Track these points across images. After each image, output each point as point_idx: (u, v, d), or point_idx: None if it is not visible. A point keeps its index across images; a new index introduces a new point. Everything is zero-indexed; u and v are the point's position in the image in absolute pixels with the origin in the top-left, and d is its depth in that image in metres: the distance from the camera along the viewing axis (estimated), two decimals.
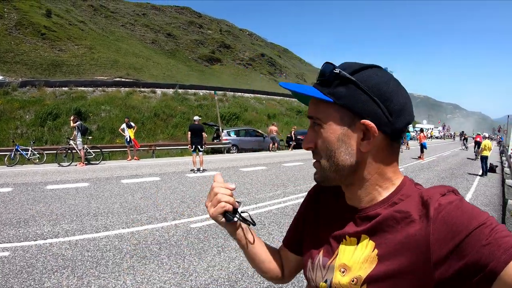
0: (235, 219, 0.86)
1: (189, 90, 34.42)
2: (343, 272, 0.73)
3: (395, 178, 0.74)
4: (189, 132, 11.88)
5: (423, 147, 19.75)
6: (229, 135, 21.03)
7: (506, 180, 12.82)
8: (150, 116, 25.46)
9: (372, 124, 0.68)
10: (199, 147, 11.84)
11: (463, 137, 40.53)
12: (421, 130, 22.34)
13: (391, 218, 0.68)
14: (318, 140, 0.75)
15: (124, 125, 15.59)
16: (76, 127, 13.01)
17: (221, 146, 19.97)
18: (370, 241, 0.70)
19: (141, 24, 66.78)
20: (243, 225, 0.93)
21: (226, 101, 34.27)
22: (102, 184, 9.16)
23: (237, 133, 21.83)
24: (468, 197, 9.31)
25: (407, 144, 27.51)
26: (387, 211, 0.70)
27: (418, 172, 13.69)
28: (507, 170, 16.47)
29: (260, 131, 23.90)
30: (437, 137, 63.14)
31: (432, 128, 66.94)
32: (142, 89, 30.95)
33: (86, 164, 13.16)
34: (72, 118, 13.50)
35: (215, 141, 20.80)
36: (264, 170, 12.53)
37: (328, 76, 0.73)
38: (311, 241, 0.87)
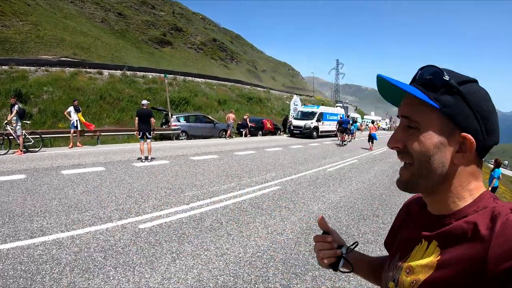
0: (340, 265, 0.96)
1: (138, 73, 32.88)
2: (407, 272, 0.75)
3: (475, 191, 0.73)
4: (137, 118, 11.04)
5: (373, 138, 20.45)
6: (179, 121, 20.19)
7: None
8: (95, 99, 23.81)
9: (473, 140, 0.69)
10: (147, 134, 11.06)
11: None
12: (372, 122, 23.10)
13: (460, 228, 0.68)
14: (410, 142, 0.75)
15: (71, 108, 14.25)
16: (15, 111, 11.60)
17: (170, 132, 19.10)
18: (437, 247, 0.71)
19: (91, 2, 62.16)
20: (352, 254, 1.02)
21: (176, 85, 33.04)
22: (40, 176, 8.09)
23: (187, 119, 21.03)
24: None
25: (354, 135, 28.32)
26: (459, 221, 0.70)
27: (371, 163, 13.93)
28: None
29: (211, 117, 23.29)
30: (384, 129, 65.99)
31: (380, 120, 69.88)
32: (88, 70, 28.96)
33: (24, 152, 11.74)
34: (12, 100, 11.99)
35: (164, 127, 19.86)
36: (216, 159, 12.03)
37: (435, 81, 0.72)
38: (396, 245, 0.91)
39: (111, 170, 9.21)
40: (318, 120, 26.88)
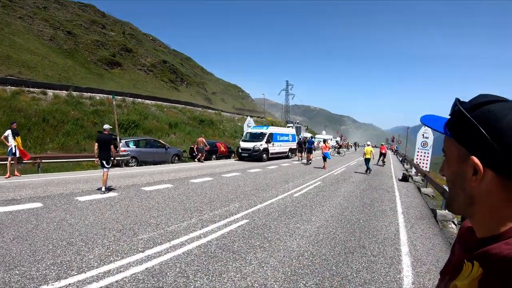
0: None
1: (85, 93, 30.78)
2: None
3: None
4: (96, 144, 10.02)
5: (325, 157, 20.74)
6: (128, 146, 18.66)
7: (421, 189, 13.96)
8: (38, 121, 21.54)
9: (476, 161, 0.71)
10: (104, 162, 9.97)
11: (337, 145, 46.48)
12: (324, 141, 23.13)
13: (498, 250, 0.70)
14: (445, 170, 0.84)
15: (8, 132, 12.43)
16: None
17: (119, 158, 17.48)
18: (480, 268, 0.73)
19: (41, 18, 58.52)
20: None
21: (125, 108, 31.24)
22: None
23: (137, 144, 19.56)
24: (399, 210, 9.21)
25: (308, 156, 26.94)
26: (498, 244, 0.71)
27: (336, 184, 13.55)
28: (416, 178, 18.27)
29: (162, 142, 21.94)
30: (335, 147, 67.30)
31: (331, 139, 71.14)
32: (32, 89, 26.57)
33: None
34: None
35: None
36: (170, 189, 10.84)
37: (451, 111, 0.79)
38: (447, 267, 0.93)
39: (50, 206, 7.75)
40: (267, 142, 25.43)
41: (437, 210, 9.12)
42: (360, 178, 16.42)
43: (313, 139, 28.17)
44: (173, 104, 43.09)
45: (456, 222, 8.60)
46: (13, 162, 12.60)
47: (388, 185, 14.46)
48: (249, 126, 32.09)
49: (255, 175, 15.44)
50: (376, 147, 70.19)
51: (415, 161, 24.70)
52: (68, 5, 73.45)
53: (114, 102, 20.28)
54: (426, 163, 24.09)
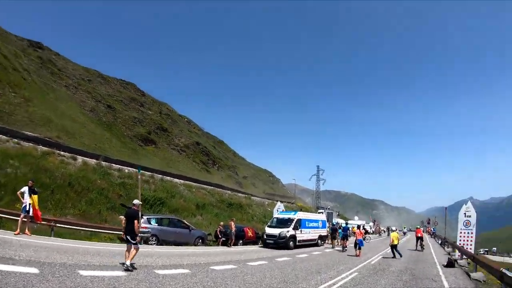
0: None
1: (114, 165, 31.06)
2: None
3: None
4: (124, 218, 9.65)
5: (359, 244, 19.51)
6: (150, 223, 17.73)
7: (471, 274, 12.81)
8: (63, 184, 21.35)
9: None
10: (128, 237, 9.35)
11: (364, 230, 44.07)
12: (358, 227, 21.41)
13: None
14: None
15: (25, 189, 12.25)
16: None
17: (140, 235, 16.48)
18: None
19: (84, 90, 63.84)
20: None
21: (153, 184, 31.01)
22: None
23: (159, 222, 18.63)
24: None
25: (344, 242, 23.50)
26: None
27: (374, 276, 11.94)
28: (461, 262, 17.05)
29: (186, 222, 20.82)
30: (368, 232, 63.63)
31: (365, 224, 67.66)
32: (62, 153, 27.25)
33: None
34: None
35: None
36: (186, 276, 9.48)
37: None
38: None
39: (45, 275, 6.78)
40: (295, 228, 23.04)
41: None
42: (400, 266, 14.68)
43: (348, 225, 26.53)
44: (202, 185, 42.82)
45: None
46: (25, 219, 12.14)
47: (433, 273, 12.99)
48: (279, 211, 30.67)
49: (283, 265, 13.80)
50: (411, 230, 67.28)
51: (458, 243, 22.36)
52: (111, 81, 79.77)
53: (139, 176, 19.81)
54: (471, 244, 21.69)
